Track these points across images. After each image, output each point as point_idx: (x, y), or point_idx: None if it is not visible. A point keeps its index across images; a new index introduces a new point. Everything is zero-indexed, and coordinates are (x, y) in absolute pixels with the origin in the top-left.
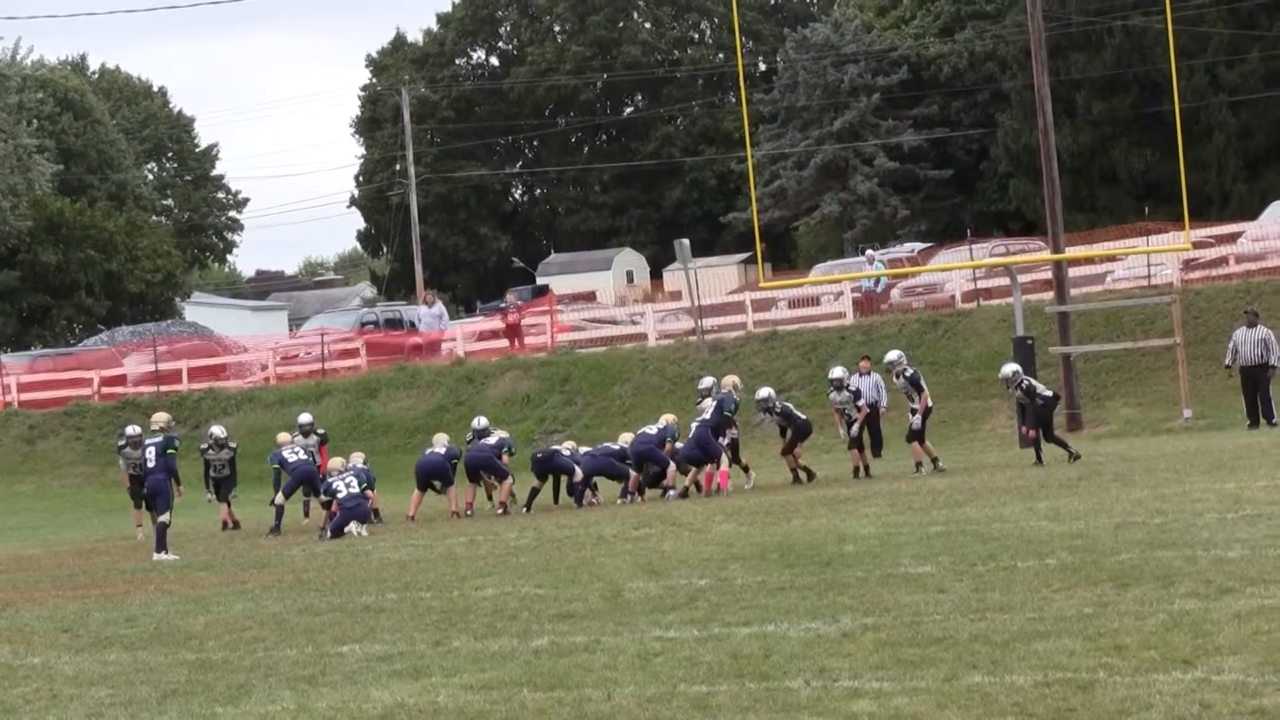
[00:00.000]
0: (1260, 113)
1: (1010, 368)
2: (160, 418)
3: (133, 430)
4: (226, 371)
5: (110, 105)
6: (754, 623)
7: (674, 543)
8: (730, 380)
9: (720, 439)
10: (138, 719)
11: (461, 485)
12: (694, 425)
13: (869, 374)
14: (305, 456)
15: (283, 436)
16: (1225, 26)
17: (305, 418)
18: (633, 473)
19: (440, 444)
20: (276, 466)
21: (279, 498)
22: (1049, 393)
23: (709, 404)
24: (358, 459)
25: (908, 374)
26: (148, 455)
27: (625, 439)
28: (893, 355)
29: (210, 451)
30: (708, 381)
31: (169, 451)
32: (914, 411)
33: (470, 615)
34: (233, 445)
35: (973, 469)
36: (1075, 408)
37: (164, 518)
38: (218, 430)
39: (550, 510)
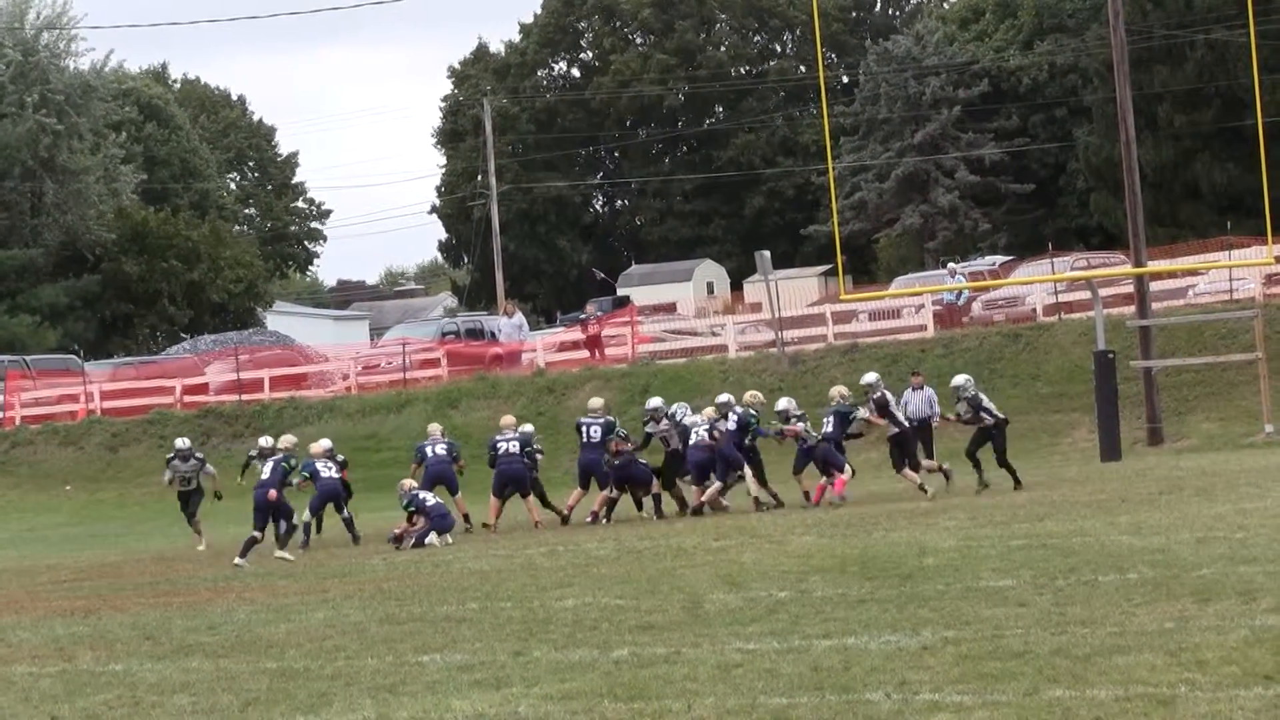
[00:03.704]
0: None
1: (961, 377)
2: (287, 440)
3: (182, 443)
4: (308, 381)
5: (191, 114)
6: (834, 635)
7: (754, 554)
8: (750, 396)
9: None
10: None
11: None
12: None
13: (922, 388)
14: (337, 475)
15: (315, 447)
16: None
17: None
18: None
19: (508, 428)
20: (307, 476)
21: (305, 514)
22: (1000, 415)
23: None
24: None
25: (877, 397)
26: (266, 469)
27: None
28: (870, 377)
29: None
30: (723, 398)
31: (285, 467)
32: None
33: (551, 625)
34: (340, 459)
35: (1053, 483)
36: (1156, 422)
37: (258, 534)
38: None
39: (630, 521)
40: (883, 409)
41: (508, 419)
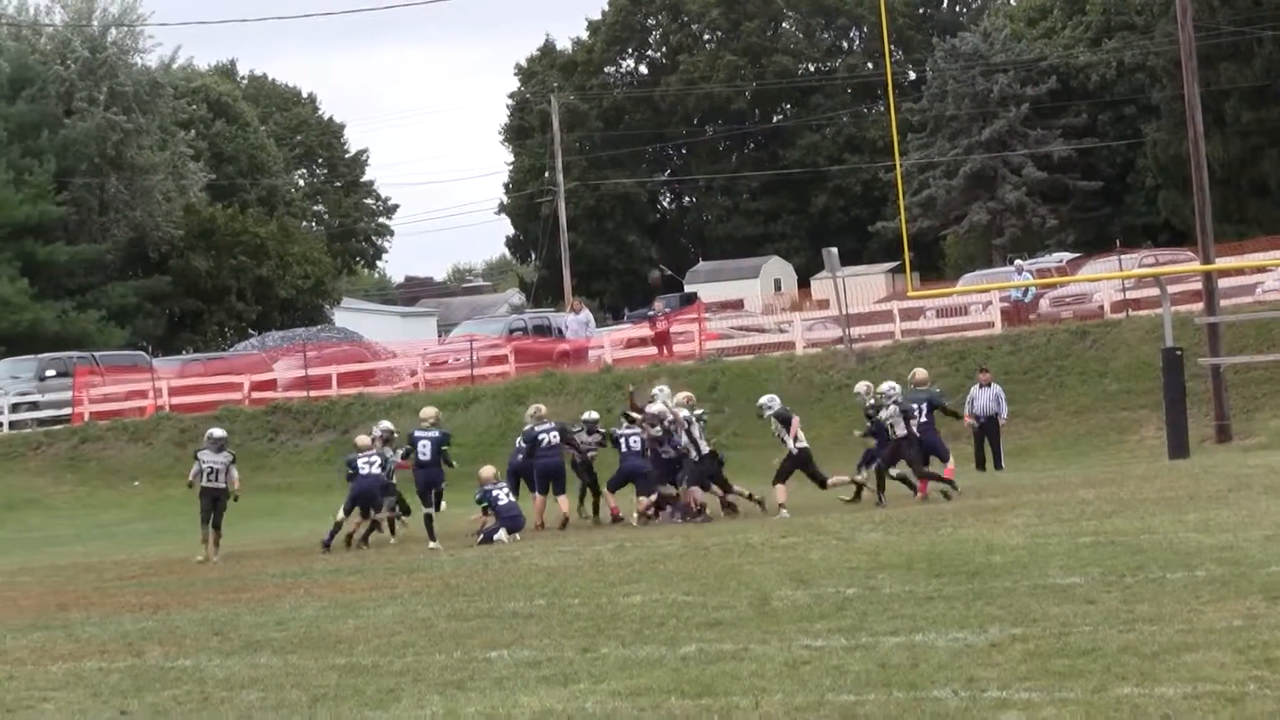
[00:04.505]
0: None
1: (887, 384)
2: (429, 412)
3: (219, 432)
4: (376, 377)
5: (260, 111)
6: (902, 632)
7: (822, 551)
8: (682, 397)
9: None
10: None
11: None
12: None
13: (990, 385)
14: (376, 471)
15: (361, 440)
16: None
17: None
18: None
19: (545, 419)
20: (351, 472)
21: (339, 513)
22: (903, 432)
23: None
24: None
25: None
26: (421, 449)
27: None
28: (763, 399)
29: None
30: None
31: (444, 448)
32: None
33: (618, 622)
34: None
35: (1121, 480)
36: (1224, 419)
37: (432, 509)
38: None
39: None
40: (789, 421)
41: (541, 408)
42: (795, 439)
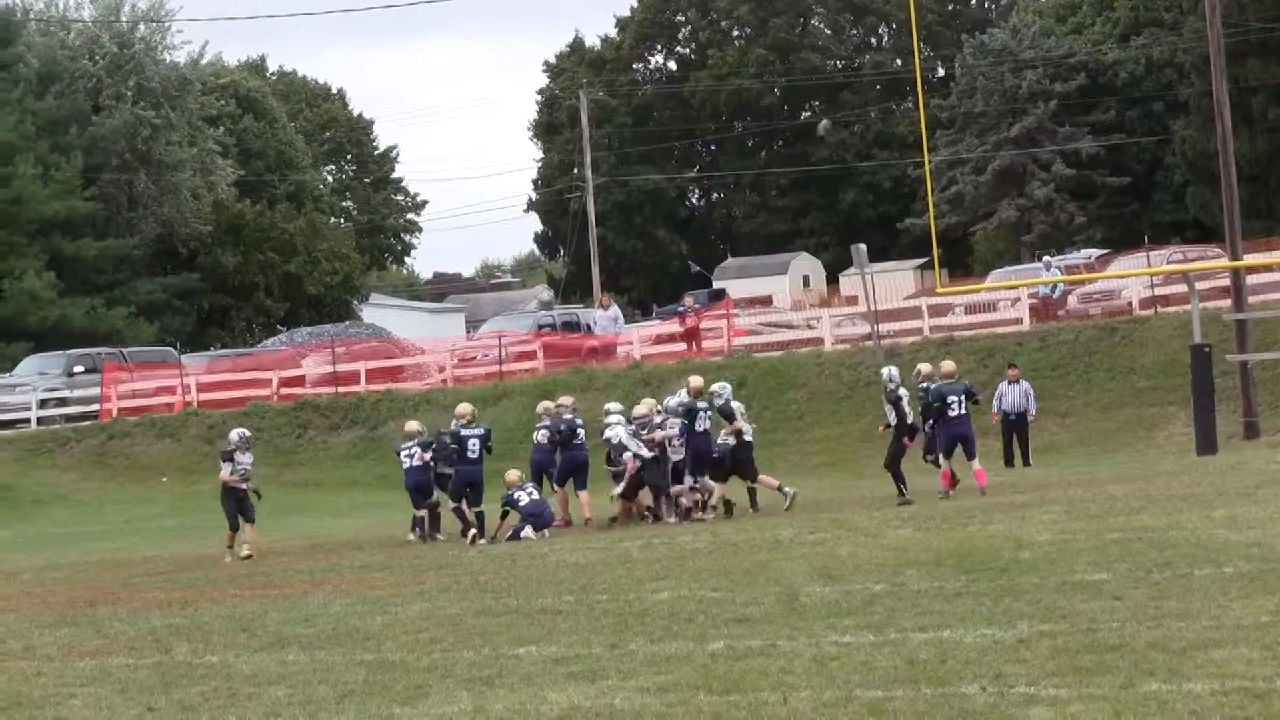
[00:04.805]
0: None
1: (887, 370)
2: (466, 408)
3: (248, 433)
4: (404, 373)
5: (289, 108)
6: (930, 628)
7: (850, 547)
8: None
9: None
10: (315, 719)
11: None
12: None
13: (1018, 382)
14: (418, 463)
15: (410, 426)
16: None
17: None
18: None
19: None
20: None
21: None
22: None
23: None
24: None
25: (721, 404)
26: (470, 447)
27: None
28: (717, 386)
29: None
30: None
31: (488, 443)
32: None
33: (646, 618)
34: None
35: (1149, 476)
36: (1252, 415)
37: (481, 508)
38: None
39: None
40: (729, 416)
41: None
42: (739, 431)
